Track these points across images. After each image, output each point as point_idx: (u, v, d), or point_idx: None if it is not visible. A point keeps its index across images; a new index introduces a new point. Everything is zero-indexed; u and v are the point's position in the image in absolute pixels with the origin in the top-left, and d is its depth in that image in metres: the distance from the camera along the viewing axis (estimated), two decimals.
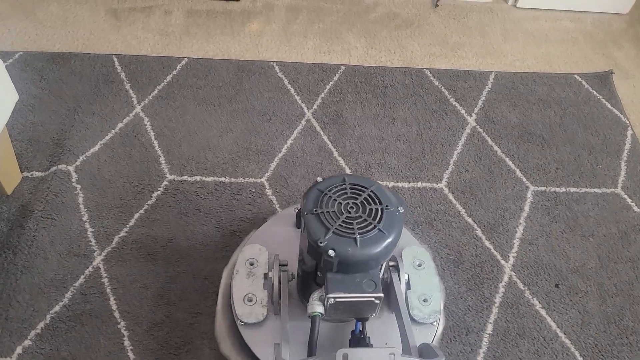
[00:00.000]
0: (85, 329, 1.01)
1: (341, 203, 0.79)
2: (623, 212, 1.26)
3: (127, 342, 1.00)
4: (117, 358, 0.98)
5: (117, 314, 1.03)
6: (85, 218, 1.16)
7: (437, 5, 1.73)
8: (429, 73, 1.53)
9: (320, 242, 0.75)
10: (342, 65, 1.53)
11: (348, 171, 1.29)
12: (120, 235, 1.14)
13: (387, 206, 0.79)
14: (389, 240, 0.77)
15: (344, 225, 0.77)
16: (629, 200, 1.28)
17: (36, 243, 1.10)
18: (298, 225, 0.83)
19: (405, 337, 0.84)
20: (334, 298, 0.76)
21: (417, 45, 1.61)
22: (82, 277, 1.07)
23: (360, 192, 0.81)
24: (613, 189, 1.30)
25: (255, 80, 1.46)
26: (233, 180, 1.25)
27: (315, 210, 0.78)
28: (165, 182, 1.24)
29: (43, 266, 1.08)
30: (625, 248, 1.20)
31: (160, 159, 1.28)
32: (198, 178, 1.25)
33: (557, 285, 1.13)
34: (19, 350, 0.97)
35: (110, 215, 1.17)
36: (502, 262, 1.16)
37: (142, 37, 1.55)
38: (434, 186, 1.29)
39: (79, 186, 1.21)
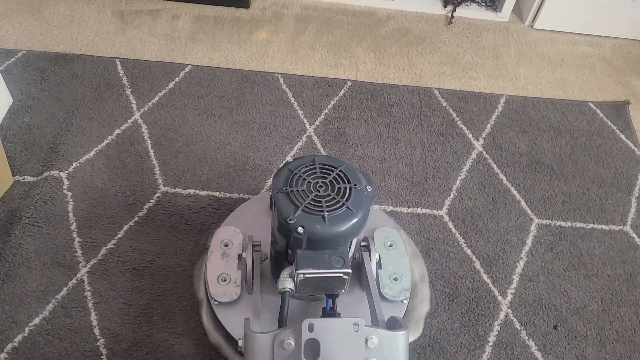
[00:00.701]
0: (63, 345, 0.98)
1: (310, 182, 0.81)
2: (630, 252, 1.21)
3: None
4: None
5: (97, 331, 1.00)
6: (73, 227, 1.13)
7: (451, 23, 1.68)
8: (437, 93, 1.49)
9: (290, 220, 0.77)
10: (348, 80, 1.49)
11: None
12: (107, 247, 1.11)
13: (355, 185, 0.82)
14: (357, 217, 0.79)
15: (313, 203, 0.79)
16: (637, 239, 1.23)
17: (21, 251, 1.08)
18: (272, 207, 0.85)
19: (374, 312, 0.86)
20: (304, 274, 0.77)
21: (427, 64, 1.57)
22: (65, 289, 1.05)
23: (330, 172, 0.83)
24: (621, 227, 1.25)
25: (258, 92, 1.43)
26: (227, 195, 1.22)
27: (285, 189, 0.80)
28: (157, 194, 1.21)
29: (26, 276, 1.05)
30: (630, 291, 1.15)
31: (155, 169, 1.25)
32: (192, 191, 1.22)
33: (555, 327, 1.08)
34: None
35: (99, 226, 1.14)
36: (500, 298, 1.12)
37: (147, 41, 1.53)
38: (434, 213, 1.24)
39: (69, 194, 1.18)
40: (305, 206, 0.78)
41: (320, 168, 0.83)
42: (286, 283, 0.81)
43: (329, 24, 1.64)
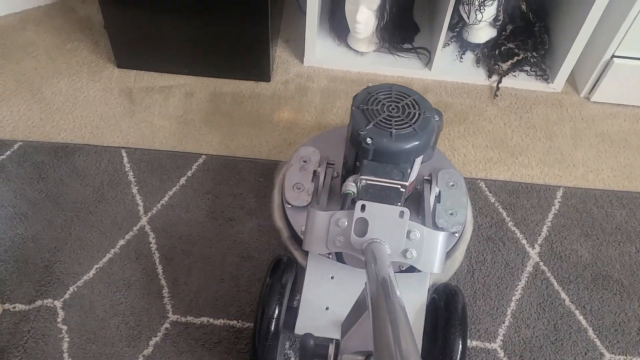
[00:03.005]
0: None
1: (385, 104, 0.93)
2: None
3: None
4: None
5: None
6: None
7: (497, 96, 1.50)
8: (483, 185, 1.31)
9: (361, 131, 0.89)
10: None
11: None
12: None
13: (424, 112, 0.93)
14: (421, 140, 0.90)
15: (383, 120, 0.91)
16: None
17: None
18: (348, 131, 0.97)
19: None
20: (366, 180, 0.88)
21: (470, 147, 1.39)
22: None
23: (403, 98, 0.95)
24: None
25: None
26: (247, 325, 1.06)
27: (361, 106, 0.93)
28: (166, 324, 1.05)
29: None
30: None
31: (164, 291, 1.09)
32: (205, 320, 1.06)
33: None
34: None
35: None
36: None
37: (158, 125, 1.37)
38: (487, 346, 1.06)
39: (65, 327, 1.03)
40: (376, 122, 0.90)
41: (395, 94, 0.95)
42: (350, 187, 0.90)
43: None
